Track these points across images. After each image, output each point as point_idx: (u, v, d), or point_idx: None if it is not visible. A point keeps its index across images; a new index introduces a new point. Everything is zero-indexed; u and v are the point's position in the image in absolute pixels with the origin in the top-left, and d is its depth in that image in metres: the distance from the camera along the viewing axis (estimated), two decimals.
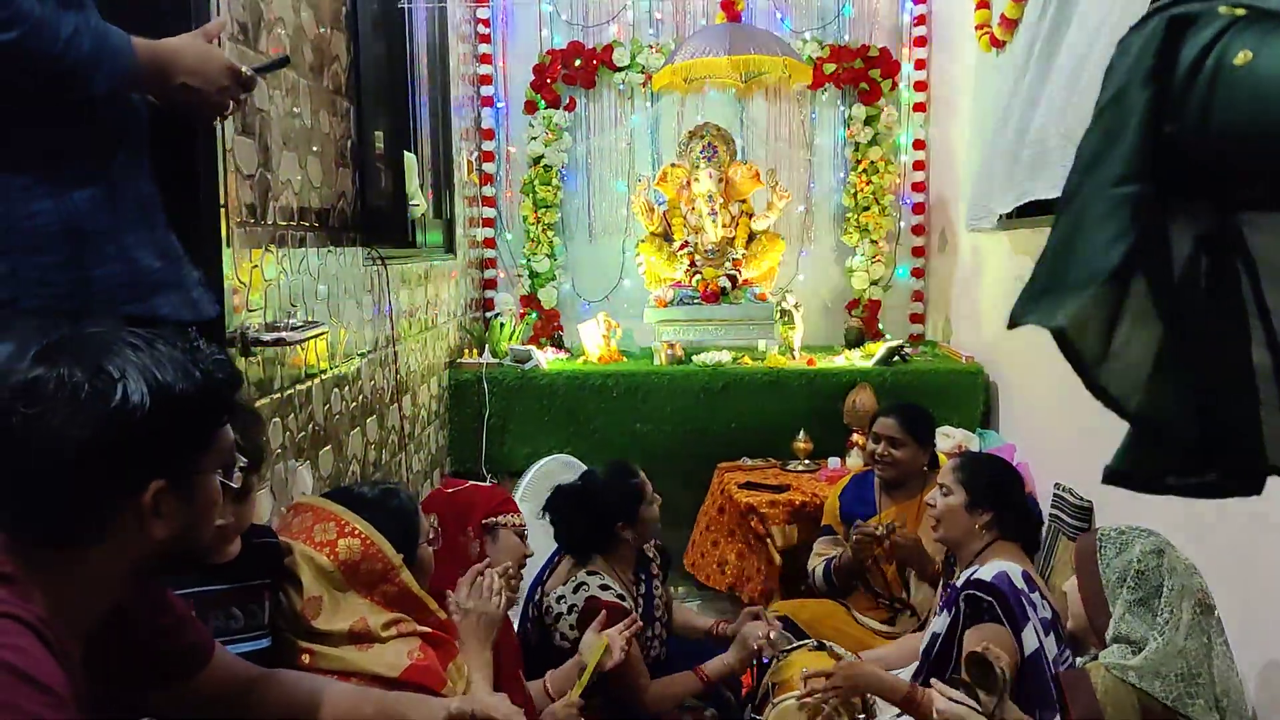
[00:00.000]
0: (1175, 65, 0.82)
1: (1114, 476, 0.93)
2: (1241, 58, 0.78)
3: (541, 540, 2.54)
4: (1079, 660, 2.08)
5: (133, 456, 1.01)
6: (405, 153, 3.19)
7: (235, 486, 1.17)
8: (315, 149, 2.53)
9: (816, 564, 3.20)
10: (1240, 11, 0.81)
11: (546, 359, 4.48)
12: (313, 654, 1.63)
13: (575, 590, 2.47)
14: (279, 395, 2.26)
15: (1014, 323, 0.91)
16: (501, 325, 4.66)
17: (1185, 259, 0.86)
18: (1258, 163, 0.80)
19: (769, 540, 3.60)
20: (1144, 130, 0.83)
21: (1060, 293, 0.87)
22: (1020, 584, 2.09)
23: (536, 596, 2.59)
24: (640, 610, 2.58)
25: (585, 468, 3.84)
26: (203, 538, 1.12)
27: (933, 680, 1.89)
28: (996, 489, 2.38)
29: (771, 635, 2.55)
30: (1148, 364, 0.87)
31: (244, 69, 1.49)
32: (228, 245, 1.96)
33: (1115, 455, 0.92)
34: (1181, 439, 0.89)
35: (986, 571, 2.14)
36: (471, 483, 2.44)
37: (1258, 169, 0.80)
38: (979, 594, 2.09)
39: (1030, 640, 2.03)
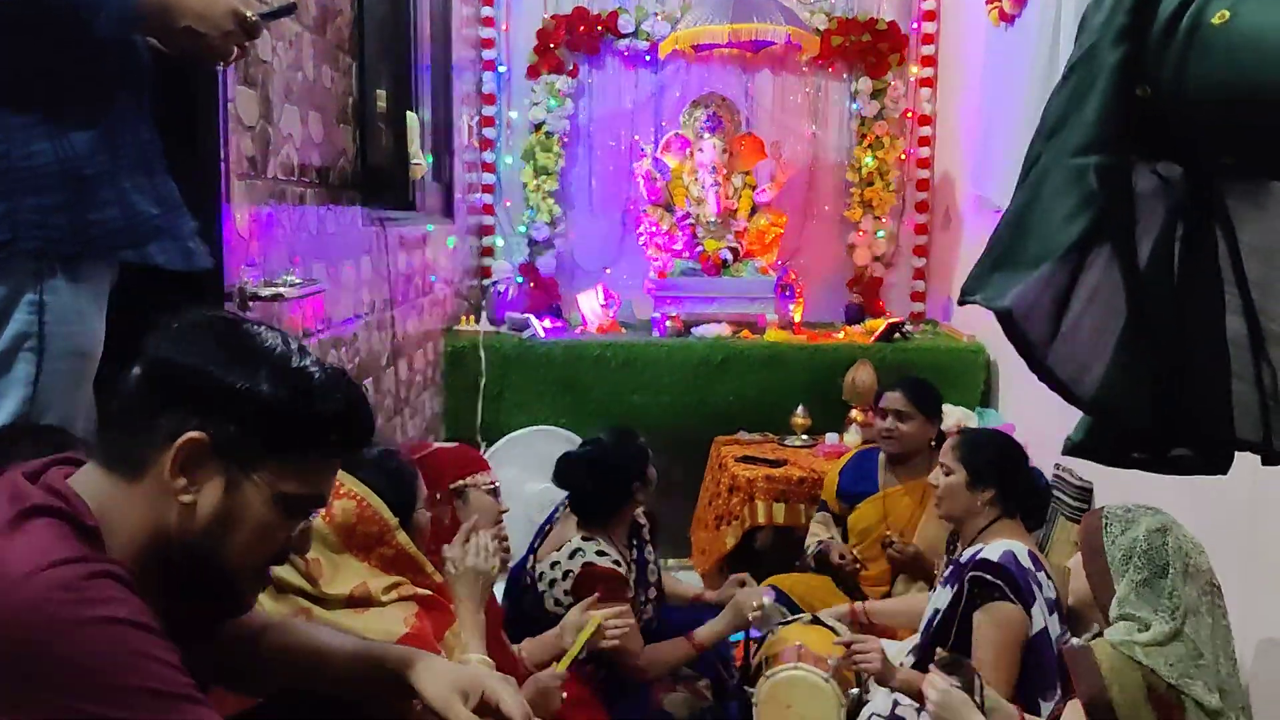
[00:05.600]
0: (1150, 22, 0.76)
1: (1076, 449, 0.89)
2: (1220, 16, 0.73)
3: (518, 506, 2.49)
4: (1077, 639, 2.07)
5: (201, 392, 1.00)
6: (408, 112, 3.14)
7: (291, 535, 1.09)
8: (317, 104, 2.49)
9: (811, 542, 3.20)
10: None
11: (543, 327, 4.44)
12: (309, 614, 1.60)
13: (571, 556, 2.46)
14: None
15: (963, 300, 0.86)
16: (499, 293, 4.61)
17: (1158, 228, 0.82)
18: (1236, 127, 0.75)
19: (740, 521, 3.61)
20: (1112, 93, 0.78)
21: (1012, 269, 0.82)
22: (1027, 563, 2.08)
23: (529, 563, 2.57)
24: (634, 576, 2.58)
25: (572, 436, 3.82)
26: (230, 558, 1.04)
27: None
28: (998, 465, 2.37)
29: (765, 603, 2.54)
30: (1100, 344, 0.83)
31: (249, 14, 1.45)
32: (227, 198, 1.92)
33: (1076, 427, 0.88)
34: (1138, 422, 0.85)
35: (992, 551, 2.12)
36: (436, 445, 2.32)
37: (1235, 133, 0.75)
38: (986, 575, 2.07)
39: (1037, 620, 2.02)
